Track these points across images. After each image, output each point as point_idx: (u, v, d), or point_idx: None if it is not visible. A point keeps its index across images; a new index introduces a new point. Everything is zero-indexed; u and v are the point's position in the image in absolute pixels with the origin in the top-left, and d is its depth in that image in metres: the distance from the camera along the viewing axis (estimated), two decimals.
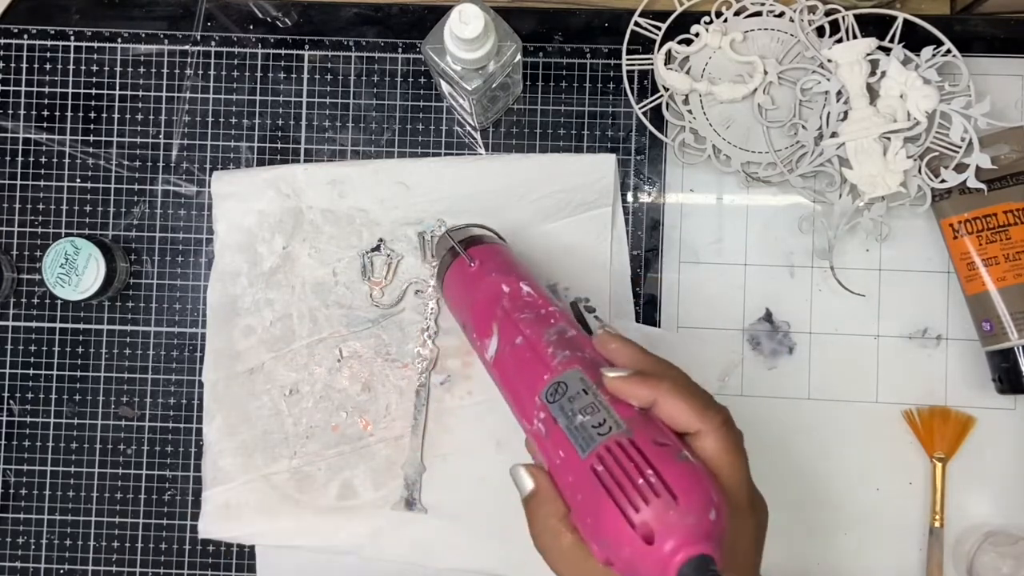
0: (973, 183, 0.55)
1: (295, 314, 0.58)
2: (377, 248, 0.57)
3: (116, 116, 0.60)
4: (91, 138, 0.60)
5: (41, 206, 0.60)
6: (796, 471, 0.58)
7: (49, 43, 0.60)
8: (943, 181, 0.55)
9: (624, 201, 0.59)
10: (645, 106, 0.58)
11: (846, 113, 0.56)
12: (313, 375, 0.58)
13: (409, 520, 0.57)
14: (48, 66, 0.60)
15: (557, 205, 0.58)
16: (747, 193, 0.59)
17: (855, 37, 0.57)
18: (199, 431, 0.59)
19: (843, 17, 0.57)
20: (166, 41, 0.60)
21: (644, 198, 0.59)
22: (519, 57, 0.50)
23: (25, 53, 0.60)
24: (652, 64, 0.58)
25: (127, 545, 0.59)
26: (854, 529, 0.58)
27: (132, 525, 0.59)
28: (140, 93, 0.60)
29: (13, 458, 0.59)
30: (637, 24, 0.58)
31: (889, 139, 0.55)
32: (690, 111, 0.58)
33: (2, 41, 0.60)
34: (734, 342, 0.58)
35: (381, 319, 0.58)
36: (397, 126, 0.59)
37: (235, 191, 0.58)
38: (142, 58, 0.60)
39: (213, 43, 0.60)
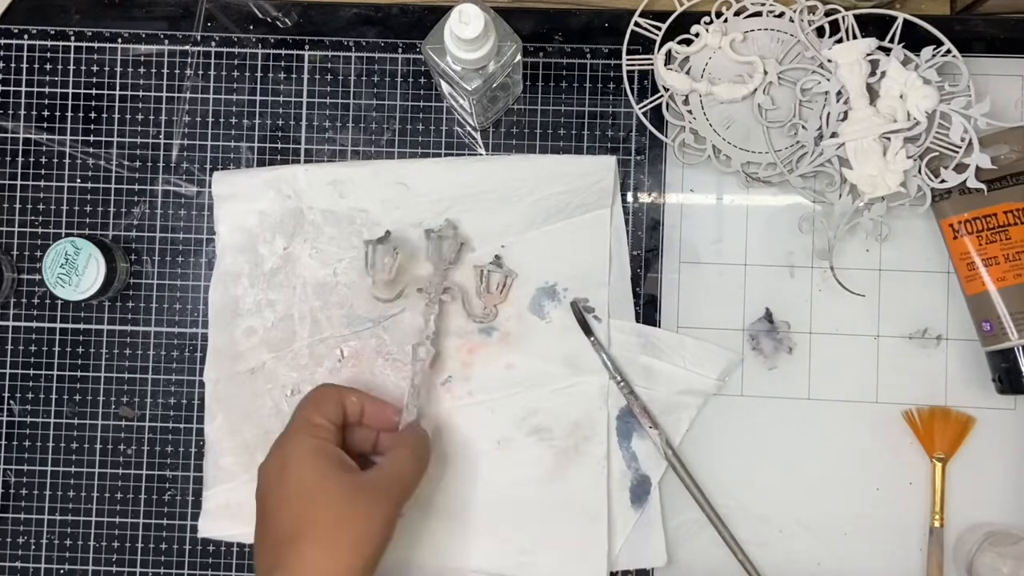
0: (973, 183, 0.55)
1: (296, 315, 0.58)
2: (383, 239, 0.55)
3: (116, 116, 0.60)
4: (91, 138, 0.60)
5: (41, 206, 0.60)
6: (796, 471, 0.58)
7: (49, 43, 0.60)
8: (943, 181, 0.55)
9: (624, 201, 0.59)
10: (645, 106, 0.58)
11: (846, 113, 0.56)
12: (314, 375, 0.58)
13: (409, 520, 0.57)
14: (48, 66, 0.60)
15: (557, 206, 0.58)
16: (747, 193, 0.59)
17: (855, 37, 0.57)
18: (199, 431, 0.59)
19: (843, 17, 0.57)
20: (166, 41, 0.60)
21: (644, 198, 0.59)
22: (519, 57, 0.50)
23: (25, 53, 0.60)
24: (652, 64, 0.58)
25: (127, 545, 0.59)
26: (854, 529, 0.58)
27: (132, 525, 0.59)
28: (140, 93, 0.60)
29: (13, 458, 0.59)
30: (637, 24, 0.58)
31: (889, 139, 0.55)
32: (690, 111, 0.58)
33: (2, 41, 0.60)
34: (734, 342, 0.58)
35: (381, 319, 0.58)
36: (397, 126, 0.59)
37: (236, 192, 0.58)
38: (142, 58, 0.60)
39: (213, 43, 0.60)
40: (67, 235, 0.59)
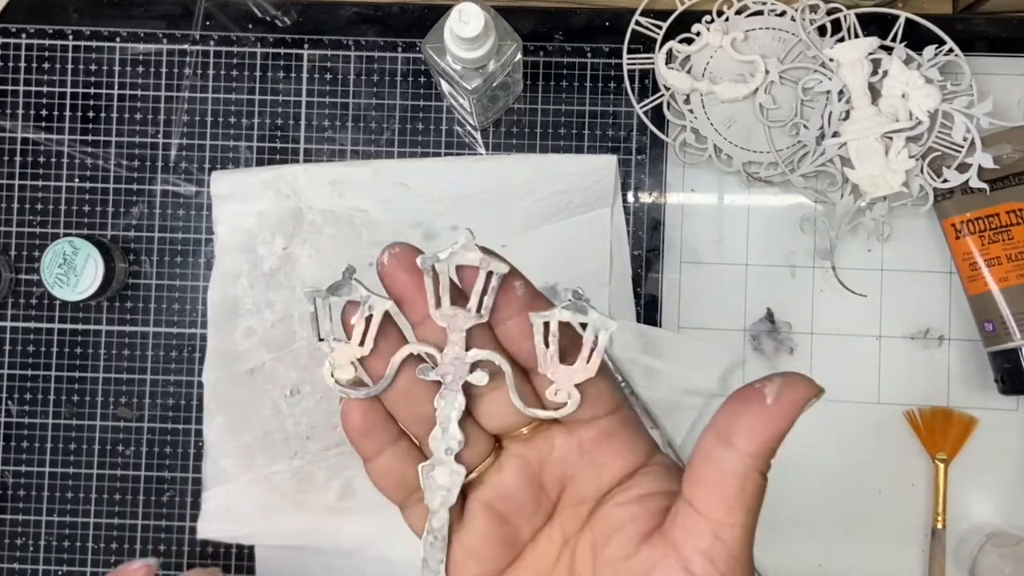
0: (975, 183, 0.55)
1: (296, 315, 0.58)
2: (339, 286, 0.27)
3: (115, 116, 0.59)
4: (89, 138, 0.59)
5: (39, 206, 0.59)
6: (797, 472, 0.58)
7: (47, 42, 0.60)
8: (945, 181, 0.55)
9: (625, 201, 0.58)
10: (646, 106, 0.58)
11: (848, 112, 0.56)
12: (314, 376, 0.58)
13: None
14: (46, 65, 0.60)
15: (557, 206, 0.57)
16: (748, 193, 0.58)
17: (857, 36, 0.57)
18: (198, 432, 0.58)
19: (845, 16, 0.57)
20: (165, 40, 0.59)
21: (645, 198, 0.59)
22: (519, 56, 0.50)
23: (23, 52, 0.60)
24: (653, 63, 0.58)
25: (126, 547, 0.59)
26: (856, 530, 0.57)
27: (131, 527, 0.59)
28: (139, 92, 0.60)
29: (11, 459, 0.59)
30: (638, 23, 0.58)
31: (891, 139, 0.55)
32: (691, 111, 0.58)
33: (0, 40, 0.60)
34: (735, 342, 0.58)
35: None
36: (397, 126, 0.59)
37: (235, 192, 0.58)
38: (141, 57, 0.60)
39: (212, 42, 0.59)
40: (65, 235, 0.58)
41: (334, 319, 0.27)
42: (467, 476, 0.27)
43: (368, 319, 0.27)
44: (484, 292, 0.26)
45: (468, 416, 0.27)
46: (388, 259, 0.27)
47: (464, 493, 0.28)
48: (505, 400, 0.27)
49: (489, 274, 0.26)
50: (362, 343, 0.27)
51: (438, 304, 0.26)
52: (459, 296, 0.27)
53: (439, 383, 0.27)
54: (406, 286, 0.26)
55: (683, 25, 0.58)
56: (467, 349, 0.27)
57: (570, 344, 0.27)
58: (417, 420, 0.27)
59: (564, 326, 0.26)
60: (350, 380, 0.27)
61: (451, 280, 0.27)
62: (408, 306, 0.27)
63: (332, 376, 0.27)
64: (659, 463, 0.28)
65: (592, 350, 0.26)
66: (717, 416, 0.26)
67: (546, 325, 0.26)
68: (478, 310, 0.26)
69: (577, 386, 0.26)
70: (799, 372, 0.26)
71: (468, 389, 0.27)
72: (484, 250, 0.26)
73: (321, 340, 0.27)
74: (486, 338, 0.27)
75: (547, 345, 0.26)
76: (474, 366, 0.27)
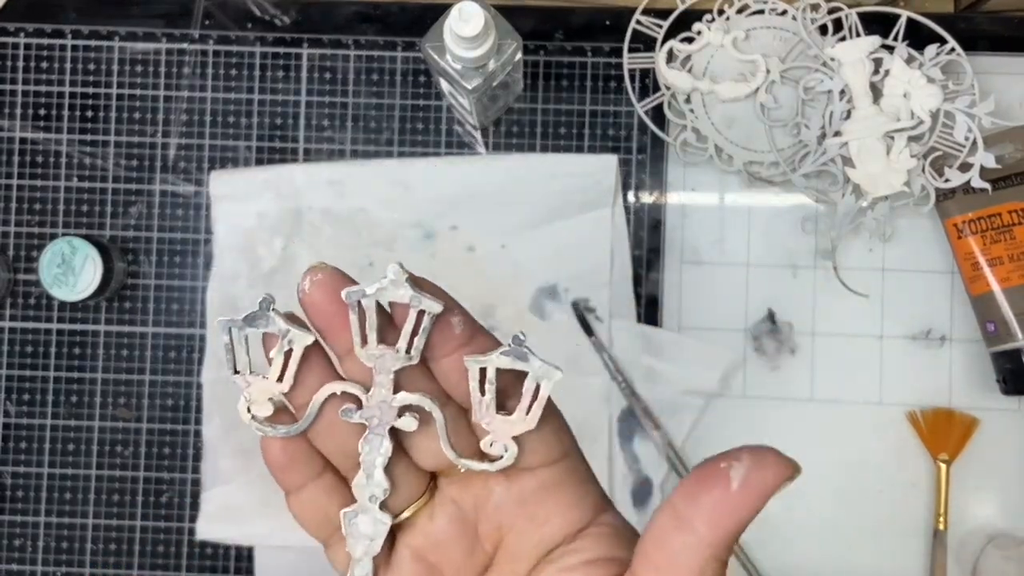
0: (977, 183, 0.54)
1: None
2: (256, 316, 0.25)
3: (113, 115, 0.59)
4: (88, 137, 0.59)
5: (38, 206, 0.59)
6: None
7: (46, 41, 0.59)
8: (947, 180, 0.55)
9: (625, 201, 0.58)
10: (647, 105, 0.58)
11: (849, 112, 0.55)
12: None
13: None
14: (45, 64, 0.59)
15: (558, 205, 0.57)
16: (749, 193, 0.58)
17: (858, 35, 0.56)
18: (197, 433, 0.58)
19: (846, 15, 0.57)
20: (163, 39, 0.59)
21: (645, 198, 0.58)
22: (519, 55, 0.50)
23: (22, 51, 0.59)
24: (653, 63, 0.58)
25: (124, 547, 0.58)
26: (857, 531, 0.57)
27: (130, 527, 0.59)
28: (137, 92, 0.59)
29: (10, 459, 0.59)
30: (639, 22, 0.58)
31: (893, 138, 0.55)
32: (692, 110, 0.57)
33: None
34: (736, 343, 0.58)
35: None
36: (396, 125, 0.59)
37: (233, 192, 0.58)
38: (139, 56, 0.59)
39: (211, 41, 0.59)
40: (64, 235, 0.58)
41: (252, 351, 0.25)
42: (396, 518, 0.26)
43: (288, 353, 0.24)
44: (415, 332, 0.24)
45: (400, 451, 0.25)
46: (310, 286, 0.24)
47: (394, 534, 0.26)
48: (439, 441, 0.25)
49: (421, 313, 0.24)
50: (281, 378, 0.25)
51: (364, 343, 0.24)
52: (391, 328, 0.24)
53: (365, 425, 0.25)
54: (330, 317, 0.24)
55: (684, 24, 0.57)
56: (396, 391, 0.24)
57: (513, 384, 0.24)
58: (343, 456, 0.25)
59: (504, 369, 0.24)
60: (268, 417, 0.25)
61: (384, 309, 0.24)
62: (332, 339, 0.25)
63: (249, 412, 0.25)
64: (608, 523, 0.26)
65: (532, 401, 0.24)
66: (676, 493, 0.23)
67: (482, 371, 0.24)
68: (407, 351, 0.24)
69: (516, 437, 0.24)
70: (771, 448, 0.23)
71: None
72: (416, 285, 0.24)
73: (237, 373, 0.25)
74: (419, 377, 0.25)
75: (483, 393, 0.24)
76: (402, 410, 0.24)
